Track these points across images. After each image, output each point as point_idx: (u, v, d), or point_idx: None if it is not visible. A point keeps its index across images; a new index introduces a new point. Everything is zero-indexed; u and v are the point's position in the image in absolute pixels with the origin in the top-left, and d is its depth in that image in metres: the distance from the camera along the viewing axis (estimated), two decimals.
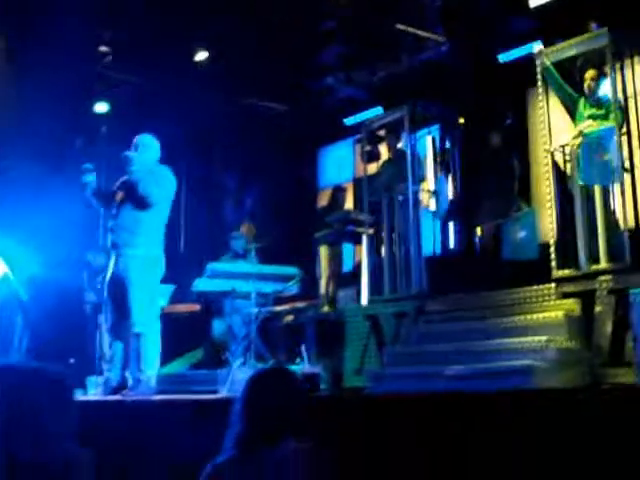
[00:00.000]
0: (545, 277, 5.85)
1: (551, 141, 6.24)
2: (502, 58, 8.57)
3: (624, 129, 5.85)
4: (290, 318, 8.28)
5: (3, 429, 2.16)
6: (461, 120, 8.52)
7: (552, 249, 5.93)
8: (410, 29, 8.88)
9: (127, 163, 6.24)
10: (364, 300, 7.78)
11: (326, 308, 8.39)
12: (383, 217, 7.41)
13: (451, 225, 8.59)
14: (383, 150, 8.26)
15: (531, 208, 7.91)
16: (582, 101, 6.17)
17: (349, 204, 10.03)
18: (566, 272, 5.77)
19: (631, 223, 5.67)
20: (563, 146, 6.16)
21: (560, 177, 6.11)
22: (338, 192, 9.53)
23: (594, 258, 5.71)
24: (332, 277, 8.82)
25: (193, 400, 5.27)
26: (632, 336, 4.46)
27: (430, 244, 7.85)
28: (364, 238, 7.89)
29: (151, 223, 6.26)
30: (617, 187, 5.73)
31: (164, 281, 6.73)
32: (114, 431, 5.00)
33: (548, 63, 6.25)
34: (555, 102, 6.41)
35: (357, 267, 9.10)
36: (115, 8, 8.53)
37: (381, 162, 8.22)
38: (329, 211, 8.96)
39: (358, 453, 3.74)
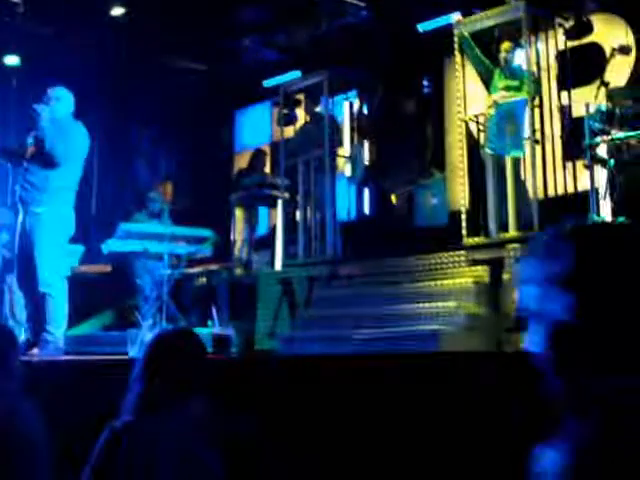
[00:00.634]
0: (457, 244, 5.97)
1: (466, 110, 6.34)
2: (422, 27, 8.58)
3: (537, 101, 5.97)
4: (203, 280, 8.22)
5: None
6: (379, 87, 8.55)
7: (463, 217, 6.05)
8: None
9: (36, 117, 6.02)
10: (278, 264, 7.79)
11: (240, 271, 8.35)
12: (299, 181, 7.41)
13: (366, 191, 8.65)
14: (301, 114, 8.22)
15: (442, 175, 8.02)
16: (497, 72, 6.25)
17: (269, 168, 9.97)
18: (476, 239, 5.90)
19: (540, 193, 5.82)
20: (477, 115, 6.27)
21: (473, 146, 6.22)
22: (258, 154, 9.46)
23: (504, 226, 5.86)
24: (247, 240, 8.78)
25: (100, 360, 5.20)
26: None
27: (345, 209, 7.90)
28: (279, 202, 7.88)
29: (61, 181, 6.05)
30: (528, 158, 5.86)
31: (74, 241, 6.58)
32: None
33: (465, 33, 6.33)
34: (471, 72, 6.49)
35: (272, 231, 9.08)
36: None
37: (298, 126, 8.18)
38: (249, 173, 8.90)
39: (266, 415, 3.76)
